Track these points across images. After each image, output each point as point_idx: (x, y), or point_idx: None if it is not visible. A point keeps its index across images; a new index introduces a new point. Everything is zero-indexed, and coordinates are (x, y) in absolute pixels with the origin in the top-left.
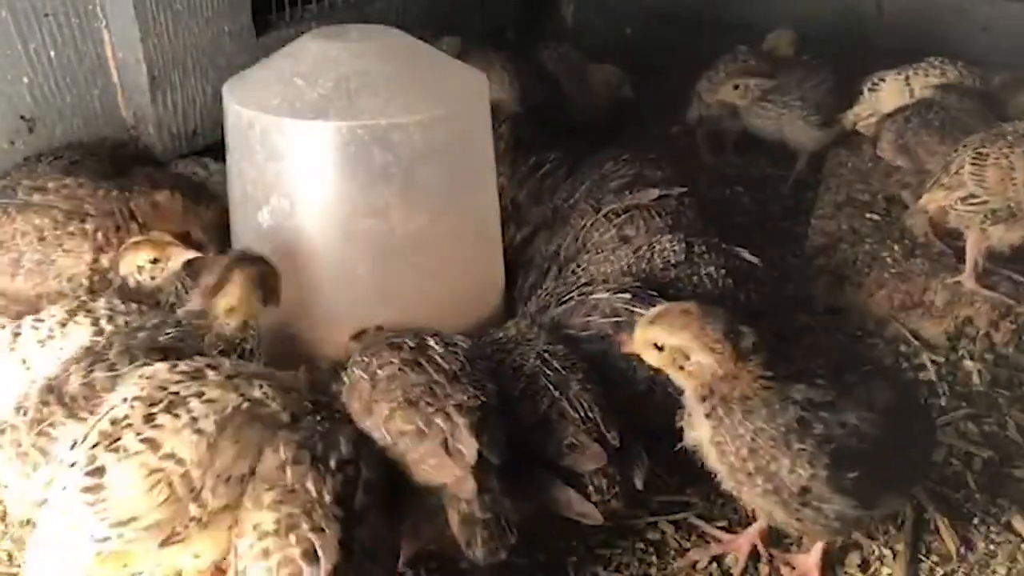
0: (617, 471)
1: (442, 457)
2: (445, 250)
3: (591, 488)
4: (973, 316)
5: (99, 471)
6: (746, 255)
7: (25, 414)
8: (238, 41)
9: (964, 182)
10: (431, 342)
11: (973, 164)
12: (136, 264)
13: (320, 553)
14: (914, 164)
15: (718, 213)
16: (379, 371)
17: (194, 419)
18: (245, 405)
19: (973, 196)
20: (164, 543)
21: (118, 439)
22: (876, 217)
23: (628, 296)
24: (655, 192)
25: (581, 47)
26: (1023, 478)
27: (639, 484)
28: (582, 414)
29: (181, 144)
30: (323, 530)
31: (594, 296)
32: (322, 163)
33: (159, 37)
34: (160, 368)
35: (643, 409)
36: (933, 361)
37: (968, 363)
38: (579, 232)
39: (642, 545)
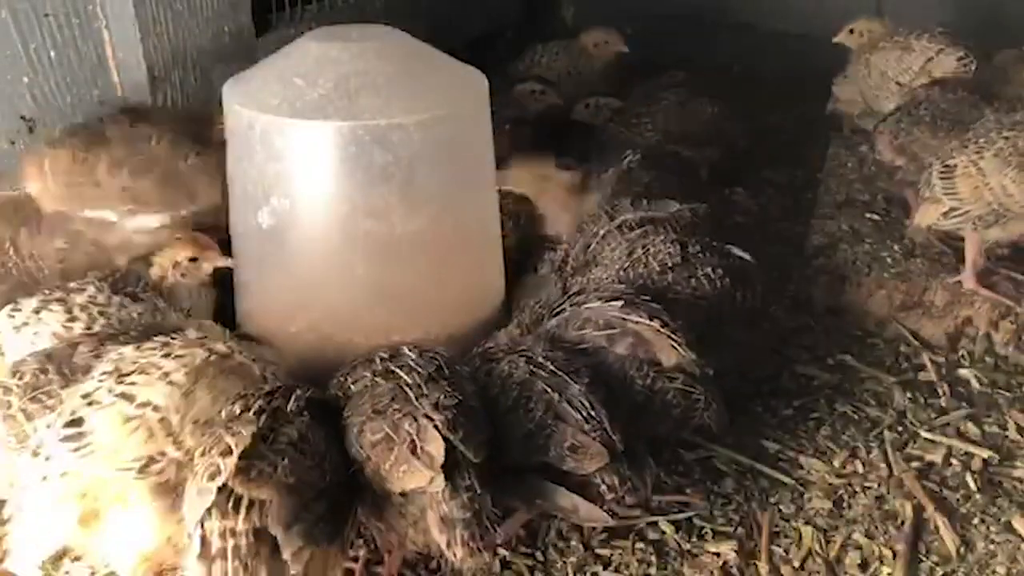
0: (626, 469)
1: (411, 461)
2: (445, 250)
3: (604, 487)
4: (973, 316)
5: (78, 421)
6: (738, 251)
7: (21, 378)
8: (238, 41)
9: (940, 197)
10: (405, 350)
11: (942, 179)
12: (174, 261)
13: (233, 446)
14: (913, 162)
15: (718, 213)
16: (352, 387)
17: (166, 373)
18: (213, 358)
19: (954, 209)
20: (142, 470)
21: (92, 398)
22: (876, 217)
23: (620, 304)
24: (674, 205)
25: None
26: (1023, 478)
27: (647, 492)
28: (584, 414)
29: None
30: (240, 432)
31: (586, 307)
32: (322, 163)
33: (159, 37)
34: (127, 349)
35: (642, 418)
36: (933, 361)
37: (968, 363)
38: (590, 240)
39: (642, 545)
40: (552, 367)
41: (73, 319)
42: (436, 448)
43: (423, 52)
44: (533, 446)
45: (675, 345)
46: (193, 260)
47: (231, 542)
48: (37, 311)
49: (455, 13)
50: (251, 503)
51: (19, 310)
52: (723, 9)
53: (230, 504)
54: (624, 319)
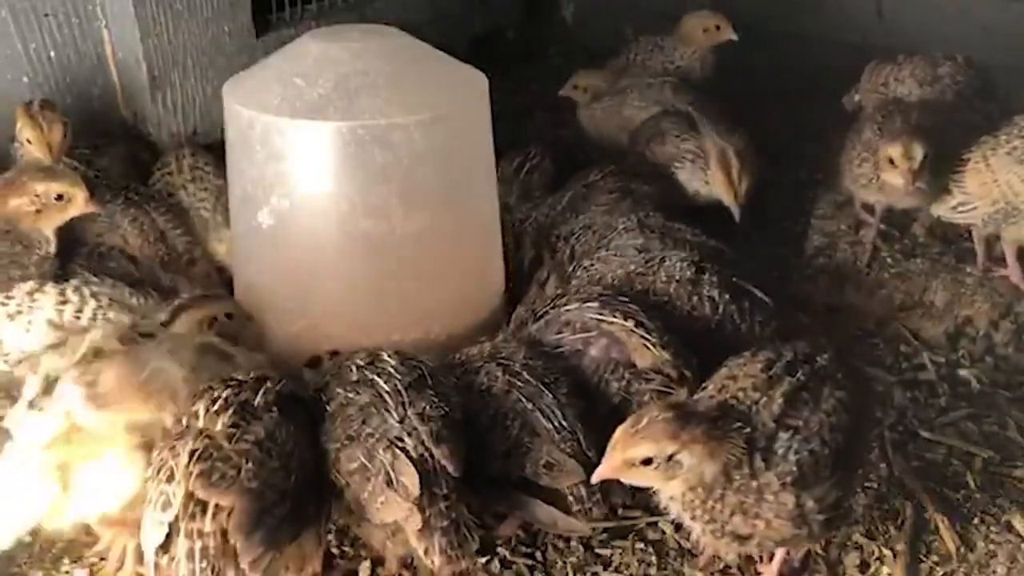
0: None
1: (387, 493)
2: (445, 250)
3: (571, 499)
4: (973, 316)
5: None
6: (759, 293)
7: None
8: (238, 41)
9: (952, 191)
10: (385, 355)
11: (953, 171)
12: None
13: (174, 469)
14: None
15: (718, 214)
16: (328, 407)
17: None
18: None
19: (962, 204)
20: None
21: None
22: None
23: (596, 305)
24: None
25: (581, 47)
26: (1023, 478)
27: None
28: (556, 424)
29: (181, 144)
30: (179, 454)
31: (565, 309)
32: (322, 163)
33: (159, 37)
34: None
35: (619, 422)
36: (933, 361)
37: (968, 363)
38: (606, 231)
39: (642, 545)
40: (527, 376)
41: (65, 301)
42: (411, 480)
43: (423, 52)
44: (512, 463)
45: (648, 345)
46: (59, 198)
47: (199, 543)
48: (31, 293)
49: (455, 13)
50: (217, 506)
51: (12, 297)
52: (723, 9)
53: (196, 507)
54: (599, 320)
